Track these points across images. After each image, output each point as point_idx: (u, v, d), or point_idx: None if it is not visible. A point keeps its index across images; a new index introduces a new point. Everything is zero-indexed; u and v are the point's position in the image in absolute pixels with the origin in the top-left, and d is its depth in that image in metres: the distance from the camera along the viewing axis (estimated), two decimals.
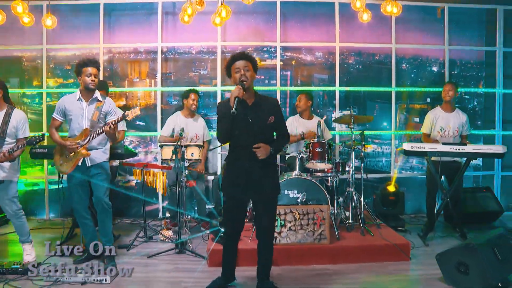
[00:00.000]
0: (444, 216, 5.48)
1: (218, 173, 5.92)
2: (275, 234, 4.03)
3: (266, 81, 6.12)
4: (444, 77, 6.05)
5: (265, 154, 3.03)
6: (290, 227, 4.08)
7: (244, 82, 2.99)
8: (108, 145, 4.10)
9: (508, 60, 6.16)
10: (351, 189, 4.66)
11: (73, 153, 3.84)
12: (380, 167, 6.15)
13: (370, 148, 6.08)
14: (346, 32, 6.03)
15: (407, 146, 4.52)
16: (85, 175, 3.92)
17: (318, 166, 4.65)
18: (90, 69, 3.82)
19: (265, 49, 6.10)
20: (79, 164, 3.88)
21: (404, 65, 6.15)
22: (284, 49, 6.04)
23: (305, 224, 4.09)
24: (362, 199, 4.71)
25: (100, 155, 3.97)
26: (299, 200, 4.29)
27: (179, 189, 4.56)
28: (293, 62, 6.12)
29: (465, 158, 4.62)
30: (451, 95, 4.97)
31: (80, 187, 3.95)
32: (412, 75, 6.17)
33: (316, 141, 4.56)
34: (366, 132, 6.02)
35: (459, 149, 4.46)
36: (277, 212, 4.02)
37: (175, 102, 6.04)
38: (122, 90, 5.94)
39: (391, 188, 5.42)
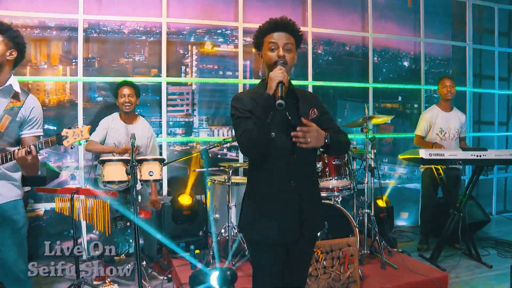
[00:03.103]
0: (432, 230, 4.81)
1: (164, 193, 4.50)
2: None
3: (221, 72, 4.85)
4: (420, 72, 5.43)
5: (316, 142, 1.77)
6: (311, 273, 2.92)
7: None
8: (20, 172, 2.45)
9: (475, 58, 5.79)
10: (366, 211, 3.64)
11: None
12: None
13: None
14: (314, 17, 5.05)
15: (424, 153, 3.70)
16: None
17: (336, 184, 3.45)
18: None
19: (219, 31, 4.83)
20: None
21: (376, 59, 5.39)
22: (243, 33, 4.82)
23: (329, 265, 2.96)
24: (375, 222, 3.74)
25: (6, 190, 2.30)
26: (319, 234, 3.08)
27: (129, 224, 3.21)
28: (254, 50, 4.92)
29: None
30: (453, 92, 4.33)
31: None
32: (384, 70, 5.44)
33: None
34: None
35: (480, 156, 3.78)
36: None
37: (100, 98, 4.42)
38: (23, 80, 4.09)
39: (382, 203, 4.57)
